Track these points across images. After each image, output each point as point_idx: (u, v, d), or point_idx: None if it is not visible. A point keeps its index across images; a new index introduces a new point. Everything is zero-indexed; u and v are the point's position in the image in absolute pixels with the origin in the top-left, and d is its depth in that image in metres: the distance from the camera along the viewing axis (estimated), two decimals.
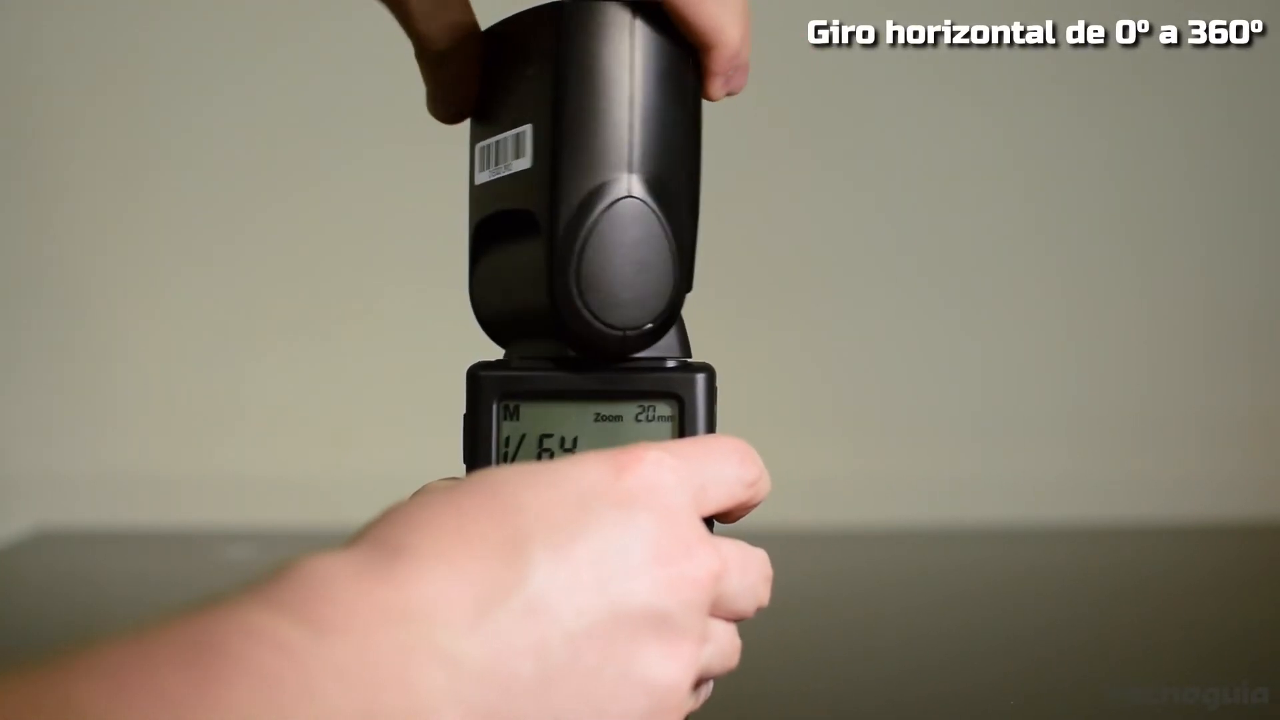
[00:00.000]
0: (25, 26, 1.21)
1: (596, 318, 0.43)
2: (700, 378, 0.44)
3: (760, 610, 0.41)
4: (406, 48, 0.46)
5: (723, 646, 0.39)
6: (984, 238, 1.23)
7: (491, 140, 0.46)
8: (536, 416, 0.44)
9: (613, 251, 0.43)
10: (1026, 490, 1.21)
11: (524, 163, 0.44)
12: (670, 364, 0.44)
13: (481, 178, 0.46)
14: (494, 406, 0.44)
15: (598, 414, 0.44)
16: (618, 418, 0.44)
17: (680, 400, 0.44)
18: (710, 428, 0.44)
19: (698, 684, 0.39)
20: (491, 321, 0.47)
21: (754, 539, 0.41)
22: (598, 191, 0.43)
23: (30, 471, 1.23)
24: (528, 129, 0.44)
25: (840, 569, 1.08)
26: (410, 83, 0.46)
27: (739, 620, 0.40)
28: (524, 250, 0.44)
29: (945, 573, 1.07)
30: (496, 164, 0.45)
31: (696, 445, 0.41)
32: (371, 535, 0.36)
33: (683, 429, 0.44)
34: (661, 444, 0.39)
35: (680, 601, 0.37)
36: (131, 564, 1.11)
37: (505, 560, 0.35)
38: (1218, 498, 1.22)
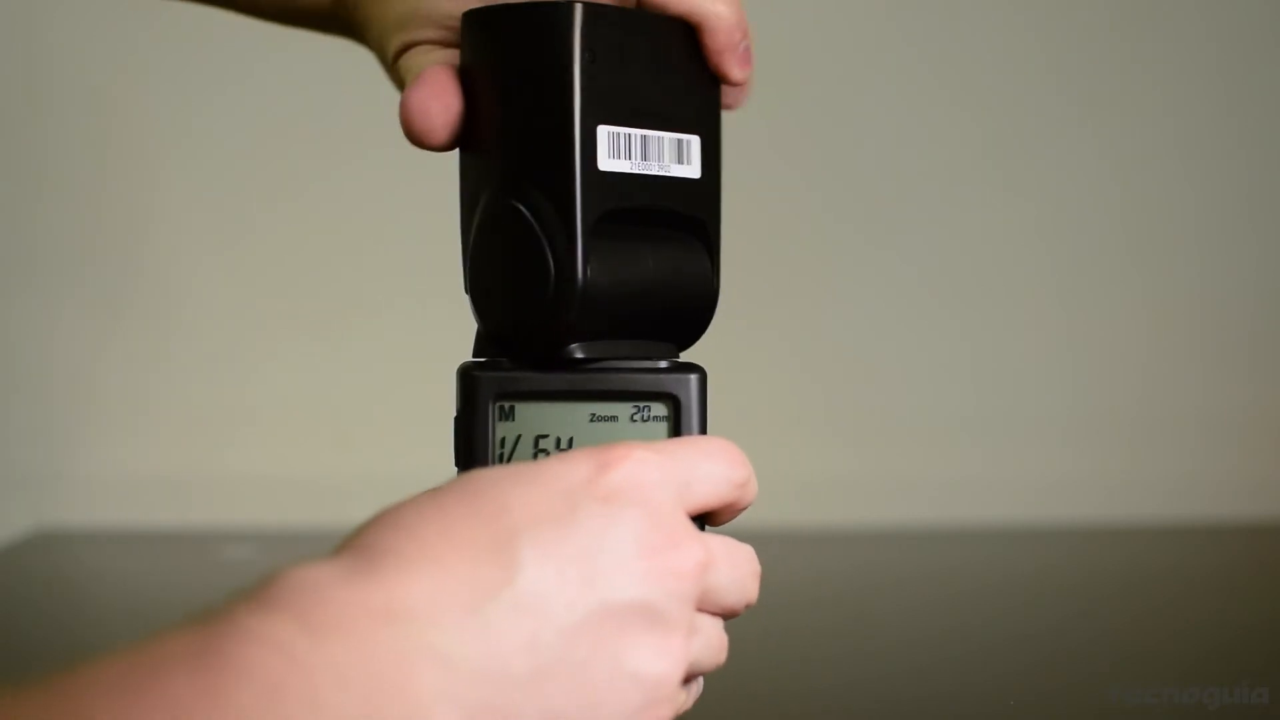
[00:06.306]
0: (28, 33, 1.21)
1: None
2: (694, 378, 0.44)
3: (749, 607, 0.41)
4: None
5: (711, 641, 0.40)
6: (982, 237, 1.23)
7: (640, 133, 0.44)
8: (532, 417, 0.44)
9: None
10: (1026, 490, 1.21)
11: (690, 171, 0.46)
12: (664, 365, 0.45)
13: (612, 165, 0.43)
14: (490, 407, 0.44)
15: (593, 414, 0.44)
16: (613, 418, 0.44)
17: (676, 401, 0.44)
18: (704, 429, 0.44)
19: (687, 679, 0.39)
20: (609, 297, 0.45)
21: (752, 539, 0.41)
22: None
23: (30, 471, 1.22)
24: (694, 140, 0.46)
25: (839, 569, 1.08)
26: None
27: (728, 616, 0.40)
28: (671, 249, 0.45)
29: (945, 573, 1.07)
30: (645, 159, 0.44)
31: (681, 444, 0.41)
32: (356, 541, 0.36)
33: (678, 429, 0.44)
34: (646, 443, 0.40)
35: (667, 593, 0.37)
36: (131, 564, 1.12)
37: (493, 558, 0.35)
38: (1218, 498, 1.21)
